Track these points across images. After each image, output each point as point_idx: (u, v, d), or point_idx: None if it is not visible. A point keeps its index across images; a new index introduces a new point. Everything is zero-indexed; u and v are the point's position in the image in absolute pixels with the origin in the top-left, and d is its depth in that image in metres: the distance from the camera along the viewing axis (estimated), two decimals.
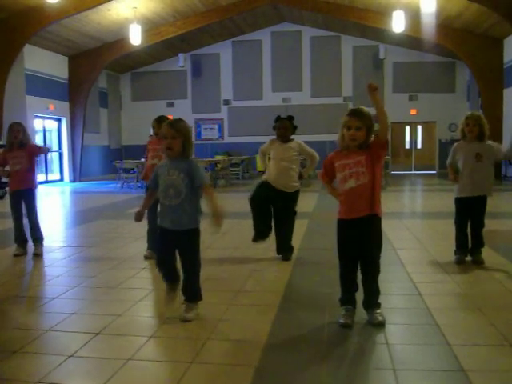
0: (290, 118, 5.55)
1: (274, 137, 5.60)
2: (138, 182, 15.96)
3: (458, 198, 5.26)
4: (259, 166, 6.13)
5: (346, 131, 3.45)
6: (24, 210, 6.08)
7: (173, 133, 3.58)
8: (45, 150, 7.19)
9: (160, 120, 5.87)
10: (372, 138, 3.50)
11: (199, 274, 3.80)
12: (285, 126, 5.47)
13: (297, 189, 5.55)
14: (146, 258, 5.73)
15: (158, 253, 3.90)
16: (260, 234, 5.57)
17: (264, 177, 5.61)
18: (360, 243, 3.52)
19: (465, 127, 5.12)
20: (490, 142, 5.16)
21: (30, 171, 6.04)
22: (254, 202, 5.57)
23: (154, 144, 5.92)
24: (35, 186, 6.16)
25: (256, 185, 5.66)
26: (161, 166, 3.74)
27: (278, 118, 5.55)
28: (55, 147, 19.58)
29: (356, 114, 3.46)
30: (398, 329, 3.52)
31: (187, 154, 3.66)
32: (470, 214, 5.24)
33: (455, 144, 5.36)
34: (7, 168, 6.08)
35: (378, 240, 3.57)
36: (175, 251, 3.70)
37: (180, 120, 3.74)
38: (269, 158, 5.67)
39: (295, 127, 5.57)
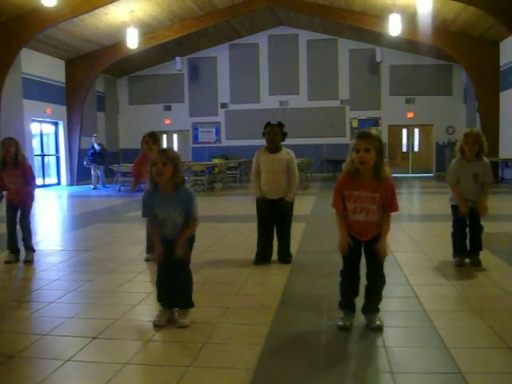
0: (280, 125, 5.51)
1: (262, 145, 5.59)
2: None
3: (454, 205, 5.27)
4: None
5: (355, 154, 3.37)
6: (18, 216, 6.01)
7: (164, 159, 3.54)
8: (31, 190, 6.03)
9: (154, 136, 5.88)
10: (387, 172, 3.45)
11: (191, 281, 3.80)
12: (274, 131, 5.43)
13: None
14: (147, 260, 5.73)
15: (158, 264, 3.85)
16: (262, 258, 5.59)
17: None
18: (365, 254, 3.54)
19: (464, 145, 5.06)
20: (486, 161, 5.15)
21: (26, 191, 5.90)
22: (262, 226, 5.62)
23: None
24: (32, 201, 6.07)
25: (256, 207, 5.65)
26: (152, 196, 3.67)
27: (268, 124, 5.53)
28: (52, 151, 19.57)
29: (364, 136, 3.39)
30: (395, 332, 3.52)
31: (176, 182, 3.62)
32: (468, 218, 5.25)
33: (454, 164, 5.24)
34: (4, 192, 5.99)
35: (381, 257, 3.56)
36: (173, 260, 3.69)
37: (170, 148, 3.78)
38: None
39: (285, 134, 5.53)
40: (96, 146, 18.01)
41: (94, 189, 17.90)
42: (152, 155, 3.64)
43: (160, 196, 3.64)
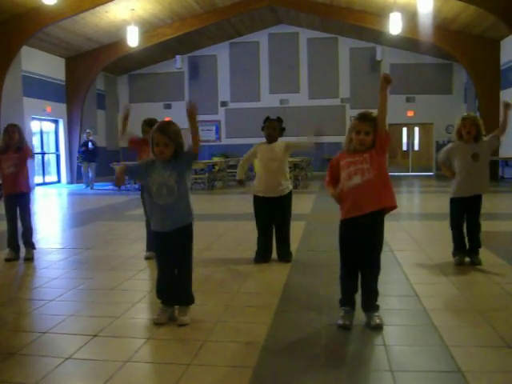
0: (279, 120, 5.58)
1: (262, 140, 5.63)
2: (135, 183, 15.93)
3: (455, 198, 5.26)
4: (256, 167, 6.13)
5: (355, 135, 3.46)
6: (18, 213, 5.99)
7: (166, 141, 3.51)
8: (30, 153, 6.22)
9: (151, 124, 5.84)
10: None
11: (192, 276, 3.80)
12: (273, 126, 5.50)
13: (289, 190, 5.58)
14: (147, 258, 5.73)
15: (158, 261, 3.84)
16: (262, 257, 5.60)
17: (254, 188, 5.64)
18: (363, 242, 3.53)
19: (462, 128, 5.11)
20: (484, 139, 5.17)
21: (24, 174, 5.93)
22: (261, 226, 5.63)
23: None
24: (30, 189, 6.09)
25: (253, 206, 5.67)
26: (150, 164, 3.66)
27: (267, 119, 5.59)
28: (52, 149, 19.57)
29: (366, 118, 3.47)
30: (395, 330, 3.52)
31: (179, 152, 3.60)
32: (465, 215, 5.25)
33: (450, 144, 5.32)
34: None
35: (380, 238, 3.57)
36: (174, 255, 3.69)
37: (170, 124, 3.63)
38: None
39: (283, 129, 5.60)
40: (90, 144, 17.46)
41: (87, 187, 17.42)
42: (153, 133, 3.57)
43: (158, 164, 3.63)
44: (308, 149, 5.63)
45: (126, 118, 5.96)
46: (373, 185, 3.45)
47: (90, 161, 17.48)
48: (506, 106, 5.23)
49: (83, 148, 17.52)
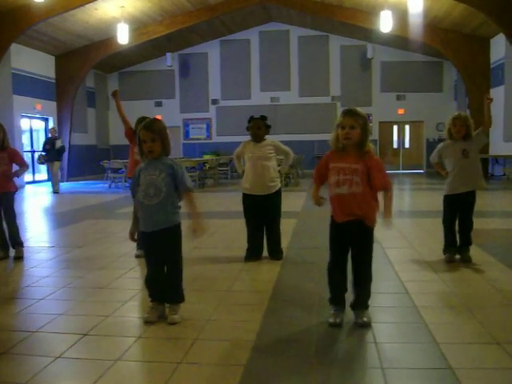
0: (263, 118, 5.56)
1: (248, 138, 5.63)
2: (125, 181, 15.88)
3: (449, 195, 5.29)
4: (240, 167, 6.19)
5: (341, 131, 3.46)
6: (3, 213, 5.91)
7: (152, 136, 3.54)
8: (24, 169, 6.11)
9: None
10: (371, 147, 3.50)
11: (182, 274, 3.79)
12: (258, 125, 5.49)
13: (278, 188, 5.58)
14: (137, 256, 5.71)
15: (146, 259, 3.82)
16: (252, 255, 5.59)
17: (242, 186, 5.64)
18: (351, 246, 3.53)
19: (452, 127, 5.15)
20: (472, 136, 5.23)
21: (10, 174, 5.87)
22: (251, 224, 5.61)
23: None
24: (15, 189, 6.01)
25: (242, 204, 5.67)
26: (140, 170, 3.68)
27: (252, 118, 5.57)
28: (42, 147, 19.41)
29: (350, 113, 3.49)
30: (386, 327, 3.53)
31: (166, 153, 3.64)
32: (458, 212, 5.28)
33: (441, 144, 5.40)
34: None
35: (367, 250, 3.54)
36: (162, 254, 3.68)
37: (155, 121, 3.70)
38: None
39: (269, 126, 5.59)
40: (59, 142, 15.28)
41: (55, 192, 15.05)
42: (139, 132, 3.60)
43: (147, 166, 3.64)
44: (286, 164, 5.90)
45: (117, 102, 6.74)
46: (357, 198, 3.44)
47: (53, 160, 15.07)
48: (487, 99, 5.33)
49: (47, 146, 15.16)
